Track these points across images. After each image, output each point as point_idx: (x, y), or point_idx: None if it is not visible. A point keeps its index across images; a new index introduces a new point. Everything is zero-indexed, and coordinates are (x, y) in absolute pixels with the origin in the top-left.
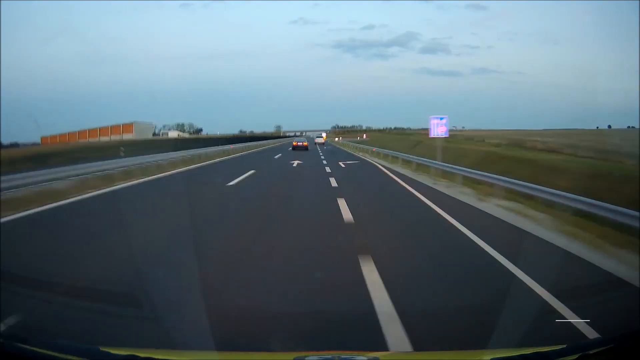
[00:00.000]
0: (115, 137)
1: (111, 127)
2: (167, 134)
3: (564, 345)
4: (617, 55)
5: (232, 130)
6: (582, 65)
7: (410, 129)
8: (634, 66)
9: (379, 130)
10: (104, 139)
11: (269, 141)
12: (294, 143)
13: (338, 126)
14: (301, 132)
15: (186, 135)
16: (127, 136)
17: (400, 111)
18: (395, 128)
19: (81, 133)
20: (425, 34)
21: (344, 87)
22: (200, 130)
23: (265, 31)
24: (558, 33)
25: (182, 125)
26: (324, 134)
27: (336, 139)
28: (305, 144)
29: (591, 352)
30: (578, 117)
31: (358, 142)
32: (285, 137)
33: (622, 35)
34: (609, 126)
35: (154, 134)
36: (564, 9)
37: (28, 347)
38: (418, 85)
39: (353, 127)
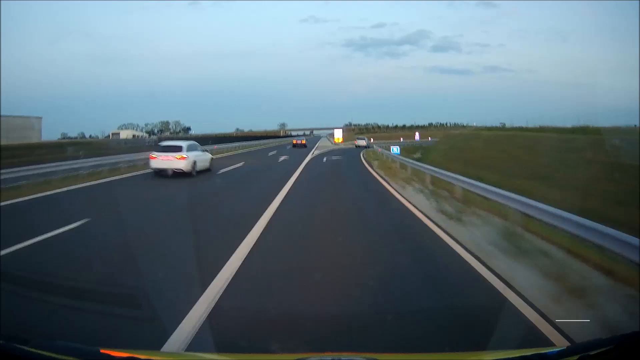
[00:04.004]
0: None
1: None
2: (119, 134)
3: (564, 346)
4: (621, 53)
5: (229, 129)
6: (592, 62)
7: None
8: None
9: (431, 127)
10: None
11: (261, 141)
12: (294, 141)
13: (351, 124)
14: (310, 131)
15: (143, 135)
16: None
17: (412, 109)
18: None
19: None
20: (437, 32)
21: (355, 85)
22: (188, 129)
23: (275, 30)
24: (567, 31)
25: (167, 123)
26: (335, 131)
27: (369, 144)
28: (304, 142)
29: (591, 352)
30: (593, 115)
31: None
32: (289, 136)
33: (629, 32)
34: None
35: (72, 138)
36: (573, 6)
37: (28, 348)
38: (429, 83)
39: (367, 125)
